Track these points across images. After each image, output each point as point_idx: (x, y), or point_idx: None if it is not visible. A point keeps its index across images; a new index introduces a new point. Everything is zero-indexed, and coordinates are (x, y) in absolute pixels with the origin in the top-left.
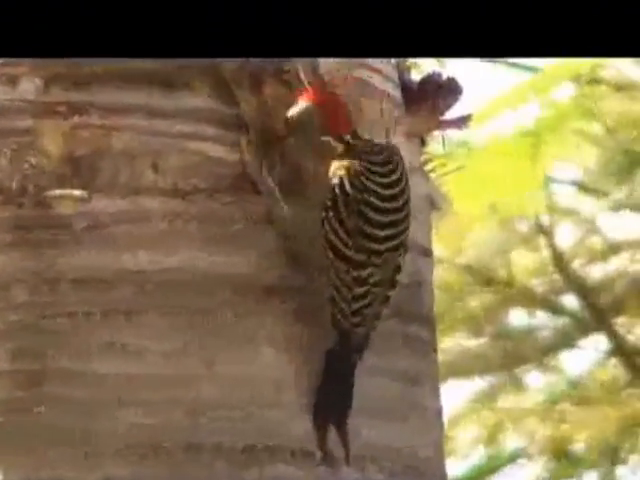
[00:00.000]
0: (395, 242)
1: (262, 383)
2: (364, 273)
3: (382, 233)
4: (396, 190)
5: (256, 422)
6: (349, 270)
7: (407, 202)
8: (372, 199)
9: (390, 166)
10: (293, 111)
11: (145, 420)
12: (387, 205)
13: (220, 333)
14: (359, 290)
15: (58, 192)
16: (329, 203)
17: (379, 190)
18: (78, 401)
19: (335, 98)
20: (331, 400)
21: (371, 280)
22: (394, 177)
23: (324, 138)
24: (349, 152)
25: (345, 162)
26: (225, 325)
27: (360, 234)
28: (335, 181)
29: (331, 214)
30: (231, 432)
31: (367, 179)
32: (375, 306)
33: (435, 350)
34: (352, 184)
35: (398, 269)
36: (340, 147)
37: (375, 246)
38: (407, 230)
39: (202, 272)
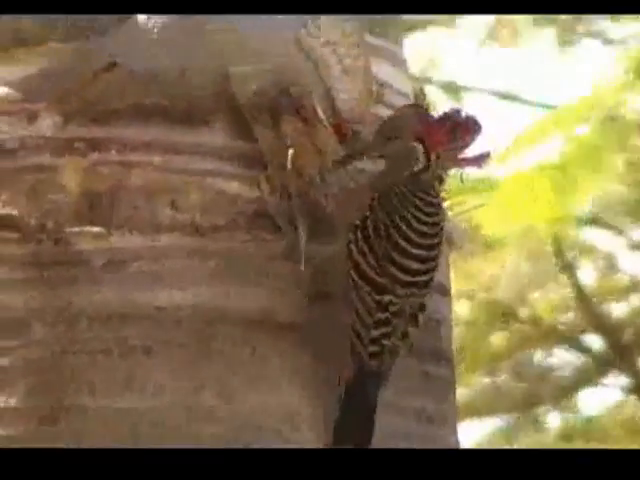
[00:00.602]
0: (423, 278)
1: (279, 418)
2: (386, 299)
3: (411, 265)
4: (432, 230)
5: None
6: (371, 293)
7: (440, 243)
8: (404, 227)
9: (434, 206)
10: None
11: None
12: (420, 240)
13: (238, 369)
14: (380, 316)
15: (77, 229)
16: (358, 222)
17: (414, 223)
18: (96, 437)
19: None
20: (350, 433)
21: (392, 309)
22: (432, 218)
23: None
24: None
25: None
26: (243, 361)
27: (388, 259)
28: (366, 205)
29: (359, 234)
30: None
31: (402, 206)
32: (394, 339)
33: (454, 389)
34: (383, 206)
35: (422, 307)
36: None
37: (401, 275)
38: (435, 270)
39: (220, 308)
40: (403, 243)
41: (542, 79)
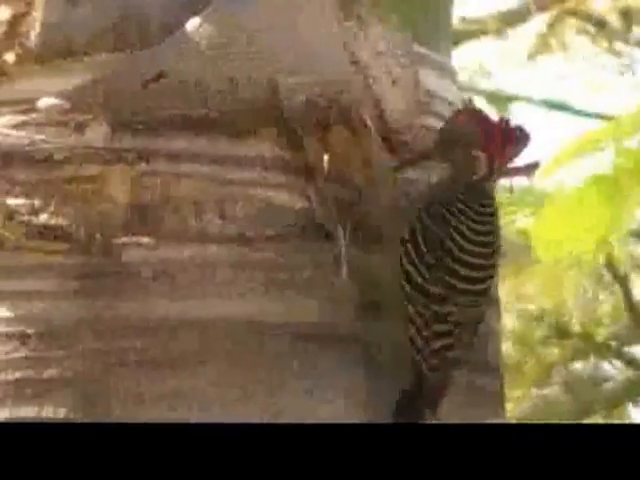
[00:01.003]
0: (481, 286)
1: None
2: (444, 309)
3: (468, 273)
4: (487, 238)
5: None
6: (427, 304)
7: (496, 251)
8: (458, 237)
9: (487, 217)
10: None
11: None
12: (475, 248)
13: (286, 381)
14: (440, 327)
15: (125, 239)
16: (407, 236)
17: (468, 232)
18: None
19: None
20: None
21: (452, 319)
22: (486, 227)
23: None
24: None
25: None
26: (290, 373)
27: (444, 269)
28: (414, 217)
29: (409, 247)
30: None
31: (457, 216)
32: (456, 351)
33: (502, 401)
34: (432, 217)
35: (482, 317)
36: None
37: (457, 283)
38: (492, 278)
39: (268, 320)
40: (458, 252)
41: (592, 89)
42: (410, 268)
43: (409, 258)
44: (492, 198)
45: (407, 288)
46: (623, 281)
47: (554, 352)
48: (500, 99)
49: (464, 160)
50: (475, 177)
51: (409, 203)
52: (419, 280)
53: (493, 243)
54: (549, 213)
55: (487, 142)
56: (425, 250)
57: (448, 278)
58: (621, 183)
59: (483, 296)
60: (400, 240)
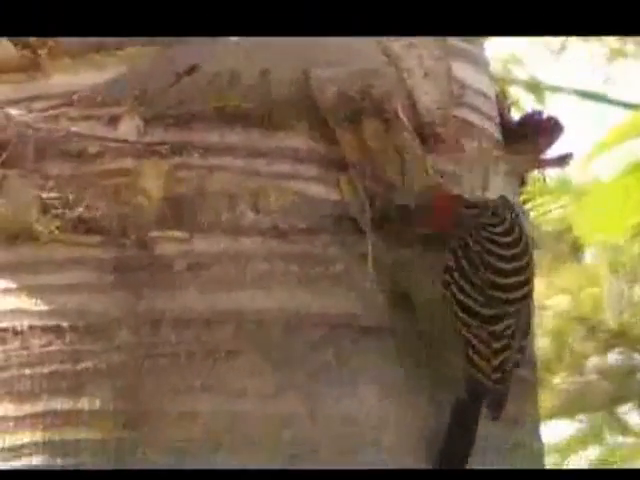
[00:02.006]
0: (525, 289)
1: (362, 423)
2: (499, 327)
3: (512, 280)
4: (518, 235)
5: (357, 462)
6: (484, 326)
7: (528, 246)
8: (494, 248)
9: (506, 224)
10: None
11: (247, 459)
12: (508, 252)
13: (319, 373)
14: (498, 345)
15: (159, 233)
16: (451, 263)
17: (500, 239)
18: (179, 441)
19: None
20: (455, 448)
21: (508, 332)
22: (512, 236)
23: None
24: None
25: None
26: (324, 365)
27: (491, 285)
28: (453, 244)
29: (456, 274)
30: (332, 472)
31: (486, 230)
32: (513, 357)
33: (536, 390)
34: (475, 240)
35: (531, 315)
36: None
37: (504, 295)
38: (533, 276)
39: (302, 312)
40: (498, 263)
41: (628, 78)
42: (461, 297)
43: (458, 286)
44: (511, 206)
45: (460, 314)
46: None
47: (588, 344)
48: (537, 88)
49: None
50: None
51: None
52: (472, 305)
53: (521, 239)
54: (589, 202)
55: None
56: (472, 274)
57: (496, 292)
58: None
59: (529, 297)
60: (445, 268)
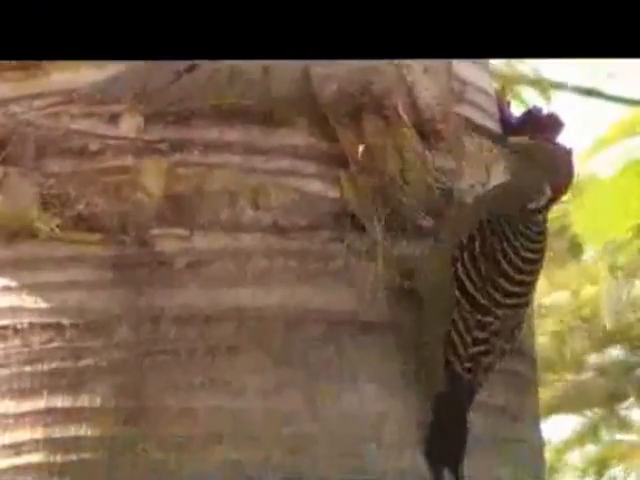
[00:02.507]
0: (522, 300)
1: (362, 418)
2: (486, 319)
3: (513, 289)
4: (536, 256)
5: (357, 458)
6: (472, 312)
7: (541, 267)
8: (512, 254)
9: (540, 237)
10: None
11: (247, 455)
12: (524, 266)
13: (320, 369)
14: (479, 334)
15: (159, 230)
16: (464, 241)
17: (521, 251)
18: (180, 437)
19: None
20: (445, 442)
21: (491, 328)
22: (538, 245)
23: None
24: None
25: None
26: (325, 361)
27: (491, 282)
28: (476, 224)
29: (465, 254)
30: (331, 467)
31: (513, 233)
32: (491, 357)
33: (536, 386)
34: (493, 230)
35: (519, 325)
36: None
37: (502, 299)
38: (533, 290)
39: (302, 308)
40: (508, 269)
41: (630, 75)
42: (463, 276)
43: (464, 266)
44: (545, 221)
45: (457, 293)
46: None
47: (587, 340)
48: (541, 85)
49: (533, 184)
50: (531, 205)
51: (469, 207)
52: (470, 289)
53: (539, 260)
54: (588, 200)
55: (558, 181)
56: (481, 262)
57: (494, 292)
58: None
59: (523, 307)
60: (458, 243)
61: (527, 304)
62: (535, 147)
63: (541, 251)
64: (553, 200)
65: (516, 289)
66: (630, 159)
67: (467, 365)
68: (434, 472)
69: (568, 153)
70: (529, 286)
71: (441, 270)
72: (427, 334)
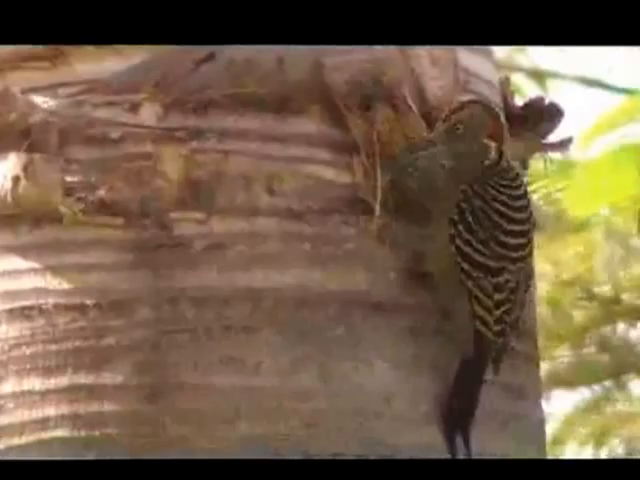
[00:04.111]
0: (526, 251)
1: (375, 395)
2: (502, 279)
3: (516, 240)
4: (524, 202)
5: (368, 433)
6: (487, 277)
7: (531, 214)
8: (503, 209)
9: (518, 181)
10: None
11: (263, 430)
12: (517, 215)
13: (332, 348)
14: (500, 296)
15: (178, 214)
16: (456, 217)
17: (509, 201)
18: (198, 413)
19: None
20: (461, 407)
21: (509, 285)
22: (522, 191)
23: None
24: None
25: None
26: (337, 340)
27: (495, 241)
28: (459, 195)
29: (460, 227)
30: (345, 442)
31: (495, 189)
32: (515, 313)
33: (537, 363)
34: (476, 193)
35: (531, 275)
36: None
37: (508, 253)
38: (532, 240)
39: (315, 289)
40: (505, 223)
41: (626, 64)
42: (466, 248)
43: (462, 238)
44: (510, 163)
45: (465, 266)
46: None
47: (587, 315)
48: (539, 76)
49: (475, 150)
50: (487, 162)
51: (446, 185)
52: (477, 257)
53: (527, 207)
54: (582, 183)
55: (497, 132)
56: (477, 228)
57: (500, 250)
58: None
59: (530, 257)
60: (449, 221)
61: (531, 252)
62: (453, 123)
63: (525, 195)
64: (500, 144)
65: (519, 240)
66: (621, 143)
67: (496, 329)
68: (448, 437)
69: (477, 102)
70: (528, 234)
71: (445, 250)
72: (449, 312)
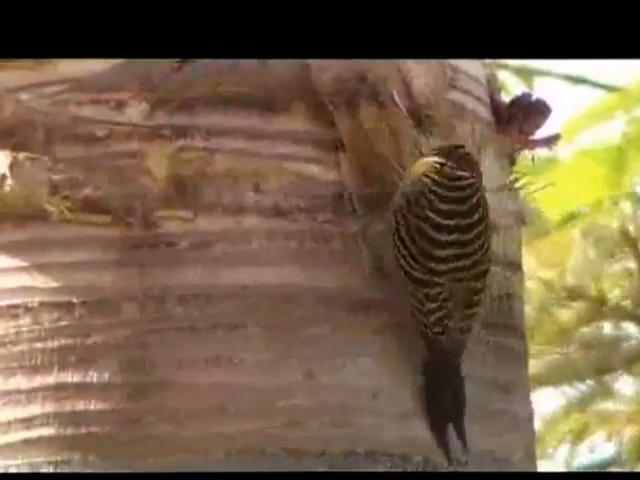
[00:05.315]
0: (466, 262)
1: (358, 391)
2: (433, 291)
3: (447, 252)
4: (464, 207)
5: (353, 428)
6: (419, 288)
7: (481, 221)
8: (432, 216)
9: (468, 191)
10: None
11: (249, 427)
12: (450, 222)
13: (317, 345)
14: (431, 305)
15: (164, 212)
16: (393, 226)
17: (441, 206)
18: (184, 411)
19: None
20: (444, 401)
21: (441, 296)
22: (463, 193)
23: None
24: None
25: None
26: (322, 337)
27: (423, 256)
28: (395, 207)
29: (395, 237)
30: (329, 438)
31: (431, 195)
32: (457, 320)
33: (526, 360)
34: (410, 211)
35: (478, 291)
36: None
37: (438, 266)
38: (481, 252)
39: (300, 287)
40: (438, 235)
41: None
42: (402, 260)
43: (400, 252)
44: (465, 170)
45: (400, 274)
46: (633, 242)
47: (571, 314)
48: (526, 73)
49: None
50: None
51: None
52: (410, 271)
53: (473, 213)
54: (562, 180)
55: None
56: (408, 241)
57: (429, 263)
58: (626, 150)
59: (473, 269)
60: (392, 231)
61: (476, 265)
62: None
63: (469, 199)
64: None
65: (457, 251)
66: (601, 141)
67: (436, 330)
68: (438, 433)
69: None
70: (470, 245)
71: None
72: (400, 309)
